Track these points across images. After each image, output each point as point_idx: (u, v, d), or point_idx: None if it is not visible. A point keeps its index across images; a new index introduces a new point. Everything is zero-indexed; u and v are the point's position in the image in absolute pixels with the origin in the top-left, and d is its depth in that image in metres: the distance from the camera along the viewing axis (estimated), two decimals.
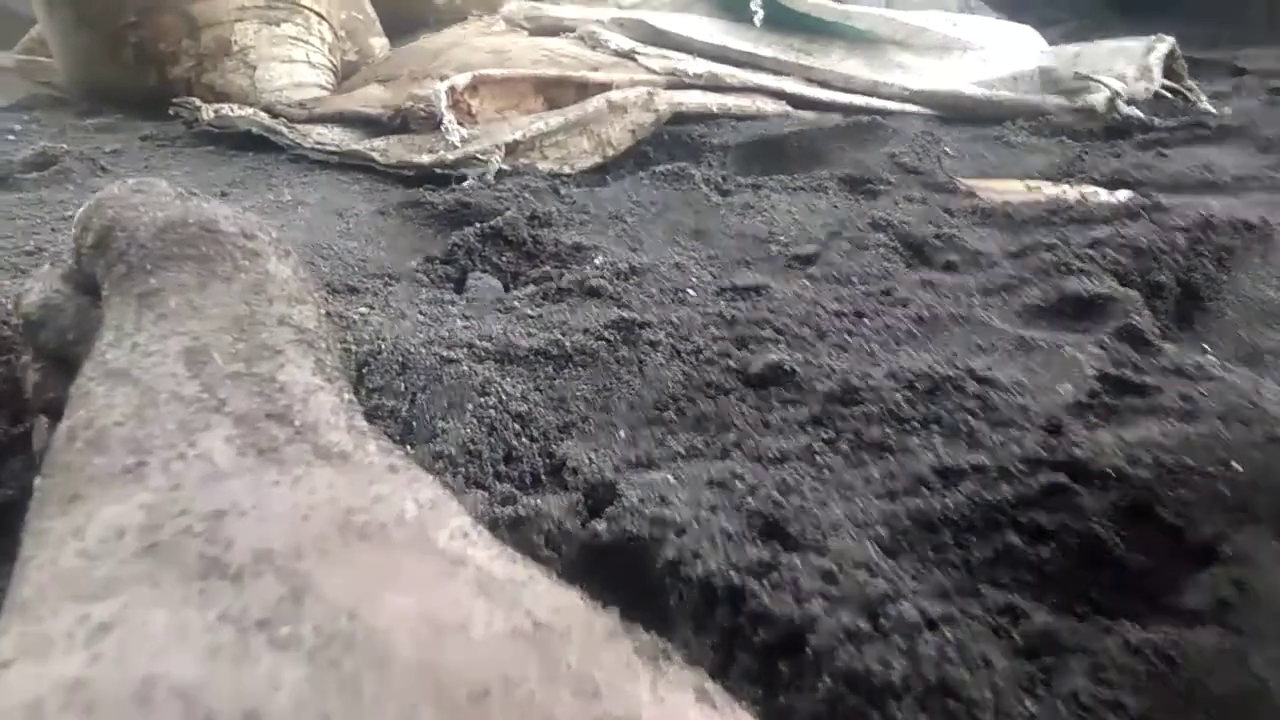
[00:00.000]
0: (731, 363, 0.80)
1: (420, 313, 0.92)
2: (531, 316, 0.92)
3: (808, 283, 1.01)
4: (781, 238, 1.20)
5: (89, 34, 2.04)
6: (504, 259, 1.16)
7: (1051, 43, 2.63)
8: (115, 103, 2.06)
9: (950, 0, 3.84)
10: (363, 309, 0.89)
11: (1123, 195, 1.42)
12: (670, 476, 0.62)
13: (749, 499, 0.58)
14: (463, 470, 0.58)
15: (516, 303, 0.98)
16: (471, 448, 0.60)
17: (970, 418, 0.69)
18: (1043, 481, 0.61)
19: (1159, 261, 1.00)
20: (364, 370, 0.66)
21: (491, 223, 1.18)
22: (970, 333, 0.85)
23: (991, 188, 1.52)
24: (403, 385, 0.66)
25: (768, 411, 0.72)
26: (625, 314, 0.89)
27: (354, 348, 0.69)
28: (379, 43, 2.68)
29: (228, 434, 0.37)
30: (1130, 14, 4.11)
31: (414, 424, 0.62)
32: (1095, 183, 1.52)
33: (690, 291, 0.99)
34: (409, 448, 0.60)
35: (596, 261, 1.12)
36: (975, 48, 2.43)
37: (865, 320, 0.90)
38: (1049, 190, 1.49)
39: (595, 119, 1.65)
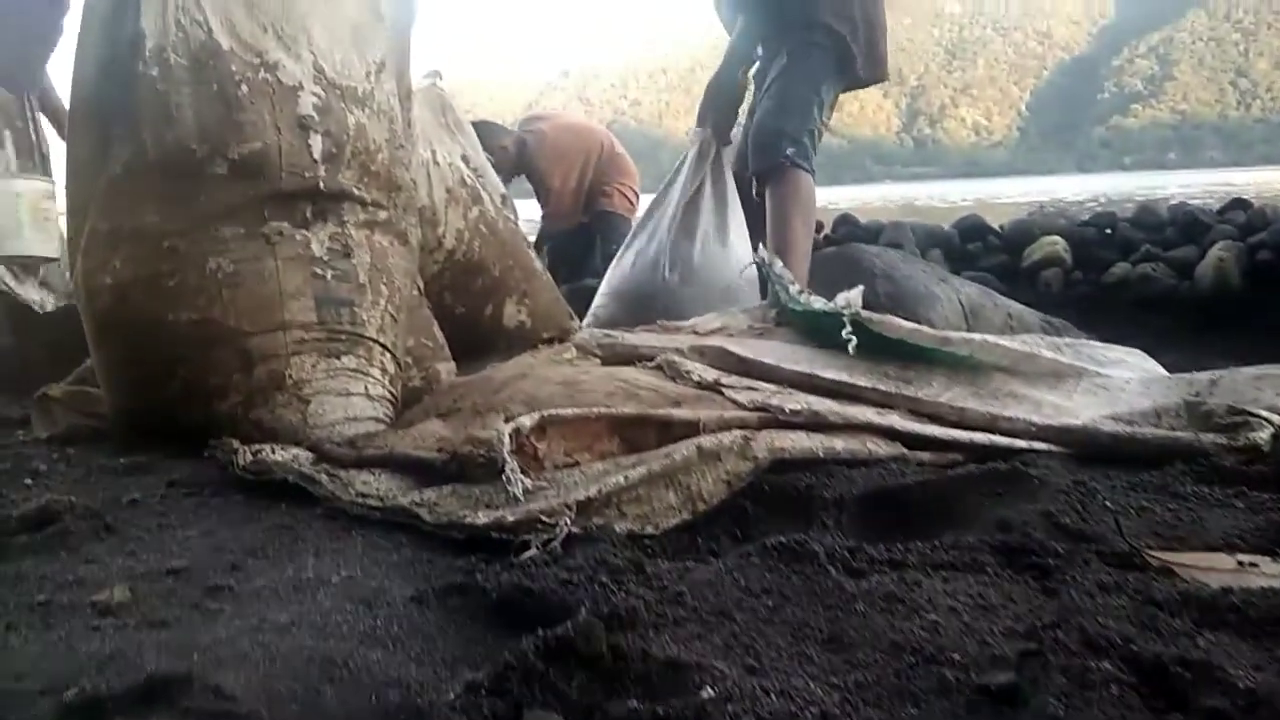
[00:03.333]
0: None
1: None
2: None
3: None
4: (953, 654, 0.87)
5: (137, 367, 1.93)
6: (574, 684, 0.85)
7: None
8: (157, 439, 1.90)
9: (1032, 320, 3.71)
10: None
11: None
12: None
13: None
14: None
15: None
16: None
17: None
18: None
19: None
20: None
21: (558, 631, 0.89)
22: None
23: (1190, 563, 1.19)
24: None
25: None
26: None
27: None
28: (446, 368, 2.57)
29: None
30: (1204, 330, 3.94)
31: None
32: None
33: None
34: None
35: (705, 697, 0.80)
36: (1089, 374, 2.21)
37: None
38: (1270, 569, 1.16)
39: (683, 469, 1.40)
